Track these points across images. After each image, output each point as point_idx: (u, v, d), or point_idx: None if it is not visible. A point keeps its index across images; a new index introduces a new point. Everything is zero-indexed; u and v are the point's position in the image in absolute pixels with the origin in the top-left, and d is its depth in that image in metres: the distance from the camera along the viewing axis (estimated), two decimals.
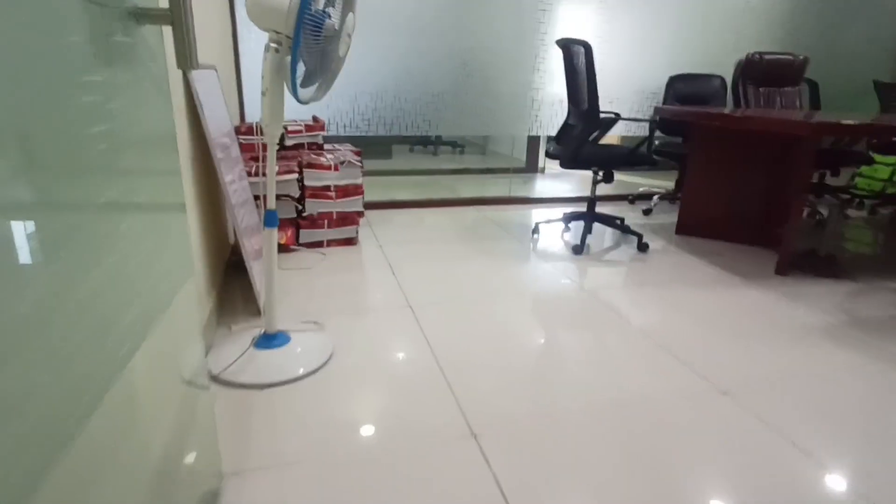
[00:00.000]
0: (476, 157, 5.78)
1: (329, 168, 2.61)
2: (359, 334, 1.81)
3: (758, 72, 3.58)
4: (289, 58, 1.36)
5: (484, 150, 6.12)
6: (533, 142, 5.02)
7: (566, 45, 2.62)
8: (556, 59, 3.59)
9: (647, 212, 3.59)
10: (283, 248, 2.61)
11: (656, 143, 3.62)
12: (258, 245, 2.12)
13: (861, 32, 4.25)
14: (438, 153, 5.87)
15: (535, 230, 3.03)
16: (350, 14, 1.42)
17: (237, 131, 2.80)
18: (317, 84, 1.46)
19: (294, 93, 1.39)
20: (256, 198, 2.46)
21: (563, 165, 2.70)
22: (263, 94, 1.43)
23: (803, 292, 2.30)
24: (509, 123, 3.65)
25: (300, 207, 2.62)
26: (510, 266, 2.51)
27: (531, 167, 5.07)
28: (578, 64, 2.54)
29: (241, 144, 2.79)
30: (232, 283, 2.20)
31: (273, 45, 1.39)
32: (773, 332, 1.93)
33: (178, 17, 0.72)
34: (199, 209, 1.74)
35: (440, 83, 3.41)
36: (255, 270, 1.94)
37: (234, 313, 1.94)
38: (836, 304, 2.18)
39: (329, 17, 1.40)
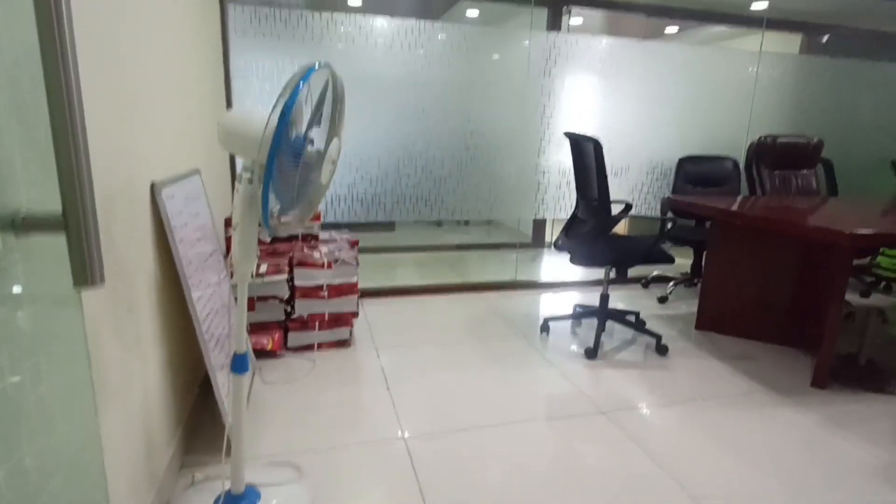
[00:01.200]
0: (481, 230, 5.64)
1: (322, 266, 2.44)
2: (344, 480, 1.56)
3: (771, 154, 3.45)
4: (261, 186, 1.20)
5: (489, 223, 5.99)
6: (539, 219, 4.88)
7: (575, 140, 2.50)
8: (561, 140, 3.49)
9: (662, 299, 3.37)
10: (268, 354, 2.39)
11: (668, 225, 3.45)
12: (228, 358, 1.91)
13: (874, 110, 4.16)
14: (443, 225, 5.75)
15: (545, 328, 2.80)
16: (335, 139, 1.27)
17: (228, 223, 2.65)
18: (294, 214, 1.29)
19: (265, 222, 1.23)
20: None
21: (573, 262, 2.51)
22: (234, 227, 1.26)
23: (848, 414, 2.04)
24: (514, 207, 3.51)
25: (289, 309, 2.43)
26: (518, 378, 2.27)
27: (538, 242, 4.91)
28: (588, 159, 2.41)
29: (228, 238, 2.64)
30: (207, 399, 1.98)
31: (246, 174, 1.24)
32: (821, 471, 1.66)
33: (75, 223, 0.55)
34: (165, 342, 1.54)
35: (443, 167, 3.30)
36: (225, 392, 1.71)
37: (203, 448, 1.70)
38: (888, 432, 1.91)
39: (311, 143, 1.25)
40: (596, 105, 3.51)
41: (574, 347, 2.61)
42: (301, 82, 1.13)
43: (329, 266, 2.44)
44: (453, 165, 3.33)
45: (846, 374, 2.32)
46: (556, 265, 4.22)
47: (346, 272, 2.49)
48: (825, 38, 5.07)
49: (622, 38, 3.53)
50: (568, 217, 2.80)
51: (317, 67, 1.17)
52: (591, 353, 2.51)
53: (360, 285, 3.22)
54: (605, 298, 2.70)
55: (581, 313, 2.83)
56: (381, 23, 3.03)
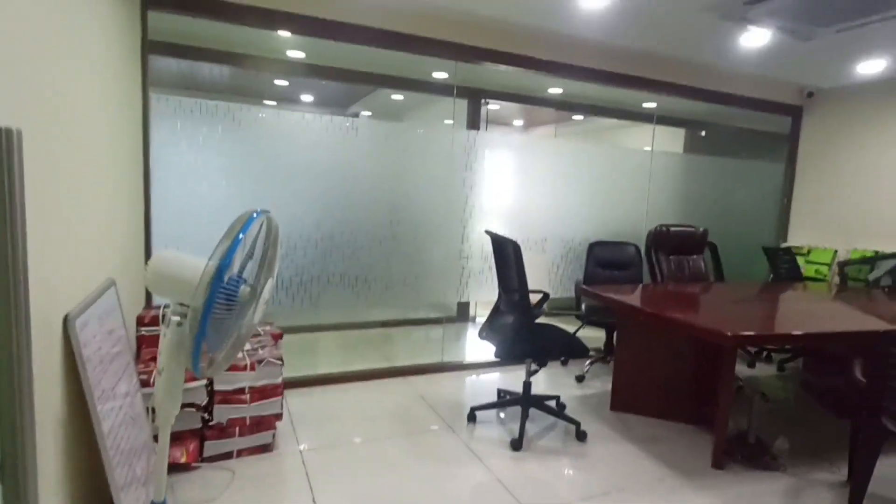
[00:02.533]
0: (407, 296, 5.68)
1: (244, 368, 2.36)
2: None
3: (666, 242, 3.86)
4: (192, 330, 1.20)
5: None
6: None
7: (496, 239, 2.67)
8: (484, 225, 3.69)
9: (580, 378, 3.56)
10: (182, 468, 2.24)
11: (582, 306, 3.70)
12: (142, 471, 1.77)
13: (747, 202, 4.81)
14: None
15: (472, 417, 2.86)
16: (270, 280, 1.30)
17: (140, 321, 2.52)
18: (223, 354, 1.29)
19: (195, 368, 1.21)
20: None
21: (497, 357, 2.62)
22: (160, 372, 1.23)
23: (743, 494, 2.24)
24: (439, 291, 3.62)
25: (207, 416, 2.31)
26: (446, 476, 2.29)
27: (462, 316, 5.03)
28: (507, 258, 2.57)
29: (141, 338, 2.50)
30: None
31: (175, 317, 1.22)
32: None
33: (11, 471, 0.54)
34: (68, 482, 1.42)
35: (370, 254, 3.36)
36: None
37: None
38: None
39: (244, 282, 1.28)
40: (514, 195, 3.78)
41: (500, 437, 2.68)
42: (241, 234, 1.16)
43: (252, 368, 2.37)
44: (380, 254, 3.40)
45: (740, 452, 2.57)
46: (480, 341, 4.34)
47: (270, 373, 2.42)
48: (703, 133, 5.84)
49: (536, 133, 3.87)
50: (492, 305, 2.94)
51: (255, 217, 1.22)
52: (517, 443, 2.59)
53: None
54: (527, 386, 2.82)
55: (505, 401, 2.92)
56: (308, 116, 3.13)
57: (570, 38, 3.55)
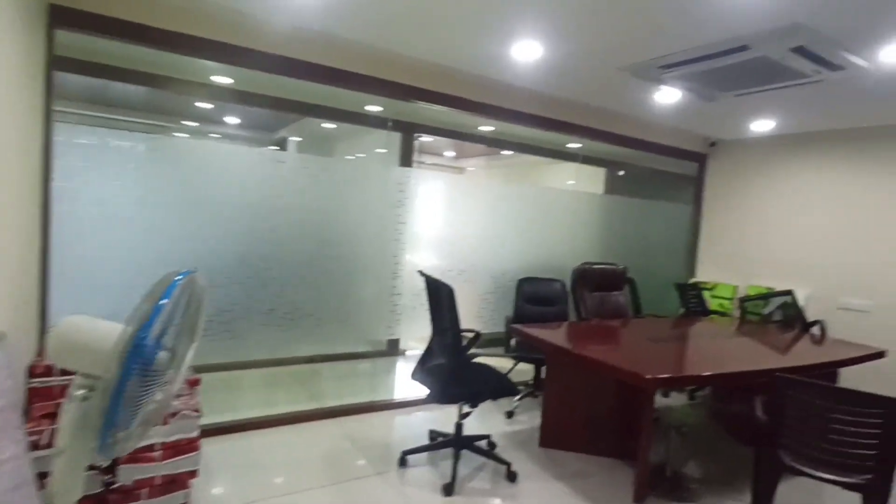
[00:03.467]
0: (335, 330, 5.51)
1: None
2: None
3: (590, 279, 4.05)
4: (101, 405, 1.08)
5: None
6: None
7: (429, 281, 2.67)
8: (418, 260, 3.69)
9: (510, 414, 3.60)
10: None
11: (512, 341, 3.76)
12: None
13: (663, 241, 5.17)
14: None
15: (403, 461, 2.79)
16: (192, 345, 1.21)
17: (31, 372, 2.25)
18: (135, 430, 1.17)
19: (103, 450, 1.09)
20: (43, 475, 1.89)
21: (429, 401, 2.59)
22: (59, 453, 1.09)
23: None
24: (370, 328, 3.55)
25: (110, 477, 2.08)
26: None
27: (393, 350, 4.95)
28: (441, 300, 2.58)
29: (33, 390, 2.23)
30: None
31: (79, 391, 1.10)
32: None
33: None
34: None
35: (297, 292, 3.24)
36: None
37: None
38: None
39: (163, 348, 1.18)
40: (446, 231, 3.82)
41: (432, 481, 2.64)
42: (163, 299, 1.08)
43: (164, 422, 2.18)
44: (309, 290, 3.29)
45: (660, 484, 2.70)
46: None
47: (185, 426, 2.24)
48: (621, 173, 6.24)
49: (468, 163, 3.95)
50: (424, 340, 2.92)
51: (179, 279, 1.13)
52: (449, 488, 2.56)
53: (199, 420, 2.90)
54: (459, 428, 2.81)
55: (437, 444, 2.89)
56: (233, 148, 3.01)
57: (501, 84, 3.69)
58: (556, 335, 3.08)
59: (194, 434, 2.26)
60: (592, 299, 4.04)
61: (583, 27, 2.50)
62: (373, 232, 3.51)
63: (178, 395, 2.36)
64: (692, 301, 4.62)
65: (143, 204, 2.75)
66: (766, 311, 4.45)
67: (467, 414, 2.73)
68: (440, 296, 2.57)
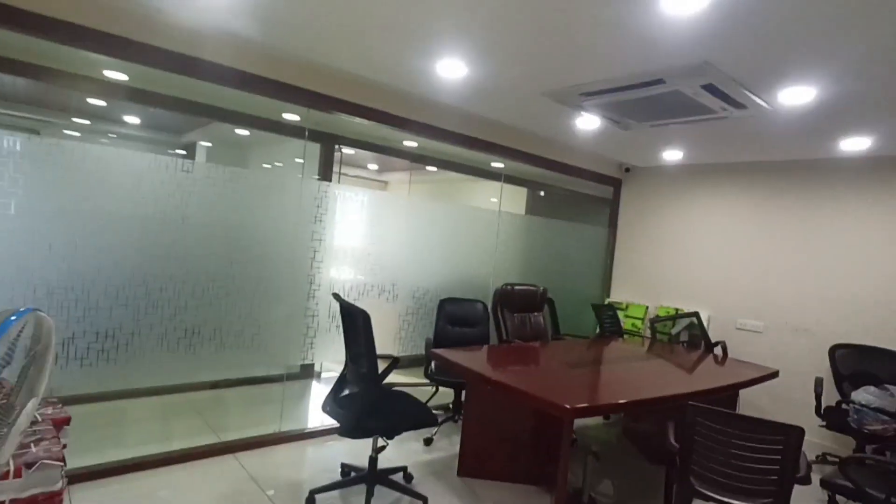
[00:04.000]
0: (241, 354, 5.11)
1: (5, 476, 1.80)
2: None
3: (511, 300, 4.04)
4: None
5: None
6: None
7: (345, 306, 2.50)
8: (333, 282, 3.48)
9: (428, 441, 3.47)
10: None
11: (433, 364, 3.65)
12: None
13: (581, 262, 5.31)
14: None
15: (311, 501, 2.56)
16: (32, 400, 0.97)
17: None
18: None
19: None
20: None
21: (342, 434, 2.40)
22: None
23: None
24: (281, 353, 3.30)
25: None
26: None
27: (306, 373, 4.66)
28: (356, 327, 2.41)
29: None
30: None
31: None
32: None
33: None
34: None
35: (197, 314, 2.93)
36: None
37: None
38: None
39: None
40: (366, 249, 3.66)
41: None
42: None
43: (17, 474, 1.82)
44: (214, 310, 2.99)
45: None
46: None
47: (45, 478, 1.89)
48: (542, 193, 6.38)
49: (391, 178, 3.82)
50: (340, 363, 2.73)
51: (18, 316, 0.90)
52: None
53: (72, 461, 2.50)
54: (373, 462, 2.64)
55: (349, 480, 2.69)
56: (127, 153, 2.68)
57: (426, 100, 3.61)
58: (475, 360, 3.00)
59: (57, 487, 1.91)
60: (513, 321, 4.03)
61: (507, 51, 2.47)
62: (286, 249, 3.27)
63: (39, 440, 2.01)
64: (607, 321, 4.76)
65: (16, 213, 2.35)
66: (674, 331, 4.68)
67: (383, 448, 2.57)
68: (355, 321, 2.40)
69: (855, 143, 3.49)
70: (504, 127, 4.18)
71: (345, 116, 3.41)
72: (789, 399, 4.04)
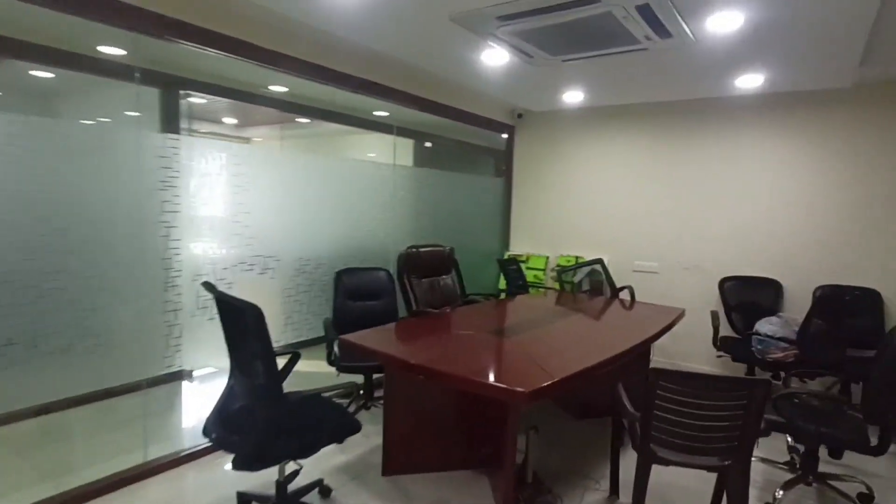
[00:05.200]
0: (79, 369, 4.06)
1: None
2: None
3: (418, 264, 3.60)
4: None
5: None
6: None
7: (224, 302, 1.85)
8: (201, 262, 2.73)
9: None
10: None
11: (335, 348, 3.11)
12: None
13: (479, 216, 5.01)
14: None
15: None
16: None
17: None
18: None
19: None
20: None
21: (237, 468, 1.81)
22: None
23: None
24: (134, 363, 2.52)
25: None
26: None
27: (173, 374, 3.82)
28: (244, 328, 1.79)
29: None
30: None
31: None
32: None
33: None
34: None
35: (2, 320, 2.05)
36: None
37: None
38: None
39: None
40: (236, 218, 2.93)
41: None
42: None
43: None
44: (23, 318, 2.12)
45: (522, 492, 2.41)
46: (204, 401, 3.29)
47: None
48: (429, 144, 5.92)
49: (256, 134, 3.09)
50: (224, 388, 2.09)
51: None
52: None
53: None
54: (282, 487, 2.09)
55: None
56: None
57: (302, 29, 2.89)
58: (392, 342, 2.54)
59: None
60: (421, 287, 3.60)
61: None
62: (128, 225, 2.44)
63: None
64: (513, 276, 4.56)
65: None
66: (577, 279, 4.63)
67: (295, 473, 2.03)
68: (241, 321, 1.78)
69: (750, 81, 3.53)
70: (392, 64, 3.60)
71: (190, 47, 2.58)
72: (687, 335, 4.21)
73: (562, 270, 4.33)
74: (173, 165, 2.59)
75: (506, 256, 5.19)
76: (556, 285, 4.72)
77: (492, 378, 1.99)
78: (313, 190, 3.36)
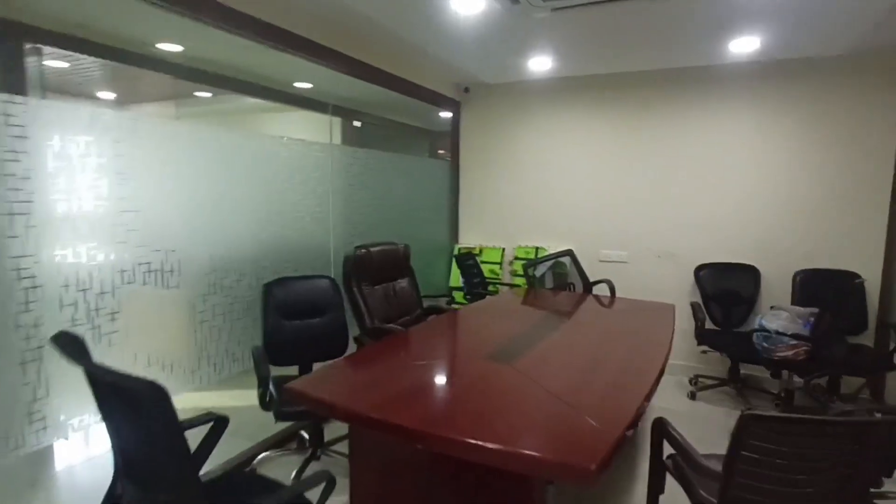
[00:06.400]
0: None
1: None
2: None
3: (370, 268, 2.90)
4: None
5: None
6: None
7: (95, 375, 1.06)
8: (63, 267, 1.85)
9: None
10: None
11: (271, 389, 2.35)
12: None
13: (426, 204, 4.35)
14: None
15: None
16: None
17: None
18: None
19: None
20: None
21: None
22: None
23: None
24: None
25: None
26: None
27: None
28: (139, 420, 1.03)
29: None
30: None
31: None
32: None
33: None
34: None
35: None
36: None
37: None
38: None
39: None
40: (118, 212, 2.06)
41: None
42: None
43: None
44: None
45: None
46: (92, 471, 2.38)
47: None
48: (358, 124, 5.14)
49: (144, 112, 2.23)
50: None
51: None
52: None
53: None
54: None
55: None
56: None
57: None
58: (356, 389, 1.84)
59: None
60: (375, 296, 2.91)
61: None
62: None
63: None
64: (472, 274, 3.99)
65: None
66: (538, 273, 4.14)
67: None
68: (134, 410, 1.02)
69: (745, 44, 3.18)
70: (315, 15, 2.83)
71: None
72: None
73: (530, 264, 3.82)
74: (20, 145, 1.69)
75: (457, 249, 4.60)
76: (520, 282, 4.22)
77: (533, 446, 1.38)
78: (228, 177, 2.53)
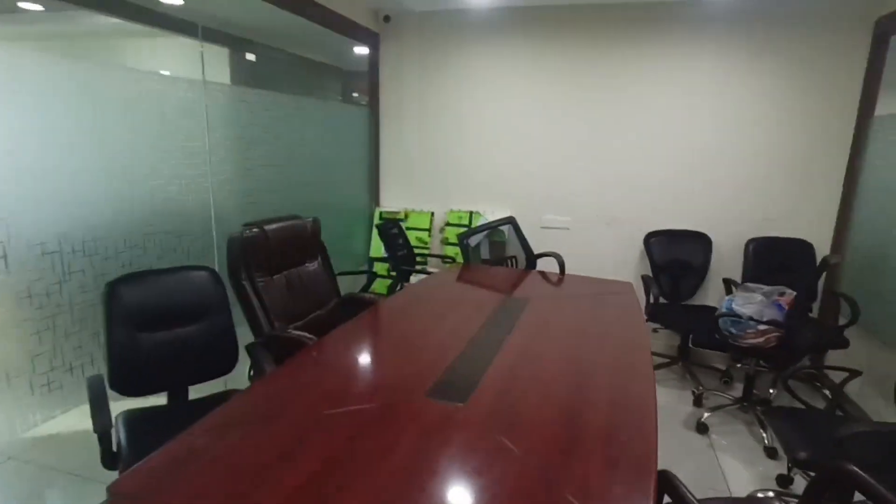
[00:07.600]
0: None
1: None
2: None
3: (266, 252, 2.18)
4: None
5: None
6: None
7: None
8: None
9: None
10: None
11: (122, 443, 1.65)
12: None
13: (339, 158, 3.60)
14: None
15: None
16: None
17: None
18: None
19: None
20: None
21: None
22: None
23: None
24: None
25: None
26: None
27: None
28: None
29: None
30: None
31: None
32: None
33: None
34: None
35: None
36: None
37: None
38: None
39: None
40: None
41: None
42: None
43: None
44: None
45: None
46: None
47: None
48: (252, 57, 4.18)
49: None
50: None
51: None
52: None
53: None
54: None
55: None
56: None
57: None
58: (239, 483, 1.21)
59: None
60: (273, 288, 2.22)
61: None
62: None
63: None
64: (397, 246, 3.37)
65: None
66: (473, 242, 3.60)
67: None
68: None
69: None
70: None
71: None
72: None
73: (465, 235, 3.25)
74: None
75: (378, 215, 3.93)
76: (452, 251, 3.66)
77: None
78: (65, 125, 1.68)
